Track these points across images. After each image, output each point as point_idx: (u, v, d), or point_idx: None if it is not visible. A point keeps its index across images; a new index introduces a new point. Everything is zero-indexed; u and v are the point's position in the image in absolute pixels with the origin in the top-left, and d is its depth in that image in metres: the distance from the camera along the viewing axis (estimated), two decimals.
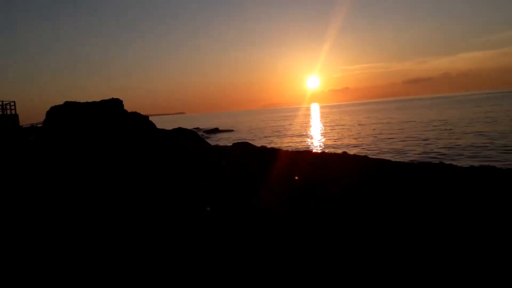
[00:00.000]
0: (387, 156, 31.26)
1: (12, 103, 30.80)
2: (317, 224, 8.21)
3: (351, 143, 46.92)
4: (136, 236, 8.06)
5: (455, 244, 6.88)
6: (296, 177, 14.00)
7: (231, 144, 25.59)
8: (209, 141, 30.46)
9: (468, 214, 8.29)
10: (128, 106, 26.48)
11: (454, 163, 16.24)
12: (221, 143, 39.03)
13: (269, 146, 25.85)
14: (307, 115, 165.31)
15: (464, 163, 24.33)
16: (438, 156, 31.84)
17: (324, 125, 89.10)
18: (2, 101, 30.09)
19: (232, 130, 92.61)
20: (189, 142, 23.43)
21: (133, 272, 6.34)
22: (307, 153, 20.30)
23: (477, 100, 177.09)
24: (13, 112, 30.66)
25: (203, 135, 61.50)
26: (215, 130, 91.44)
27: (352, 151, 30.91)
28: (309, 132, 75.11)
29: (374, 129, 65.12)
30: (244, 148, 22.44)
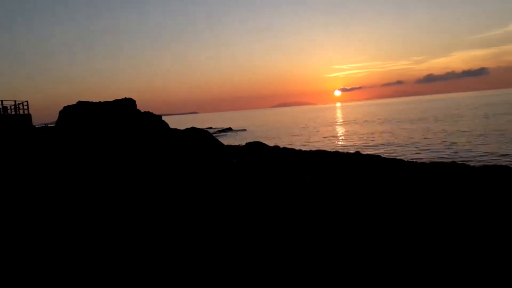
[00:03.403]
0: None
1: (25, 103, 30.91)
2: (324, 224, 8.23)
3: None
4: (139, 232, 8.17)
5: (459, 242, 6.85)
6: (308, 177, 14.02)
7: (244, 144, 25.64)
8: (222, 140, 30.54)
9: (468, 212, 8.23)
10: (142, 106, 26.62)
11: None
12: (234, 143, 39.08)
13: (282, 146, 25.84)
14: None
15: None
16: None
17: None
18: (15, 101, 30.24)
19: (245, 130, 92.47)
20: (200, 142, 23.54)
21: (135, 266, 6.45)
22: (320, 153, 20.29)
23: None
24: (26, 112, 30.76)
25: (216, 134, 61.69)
26: (228, 130, 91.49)
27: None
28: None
29: None
30: (256, 148, 22.51)
